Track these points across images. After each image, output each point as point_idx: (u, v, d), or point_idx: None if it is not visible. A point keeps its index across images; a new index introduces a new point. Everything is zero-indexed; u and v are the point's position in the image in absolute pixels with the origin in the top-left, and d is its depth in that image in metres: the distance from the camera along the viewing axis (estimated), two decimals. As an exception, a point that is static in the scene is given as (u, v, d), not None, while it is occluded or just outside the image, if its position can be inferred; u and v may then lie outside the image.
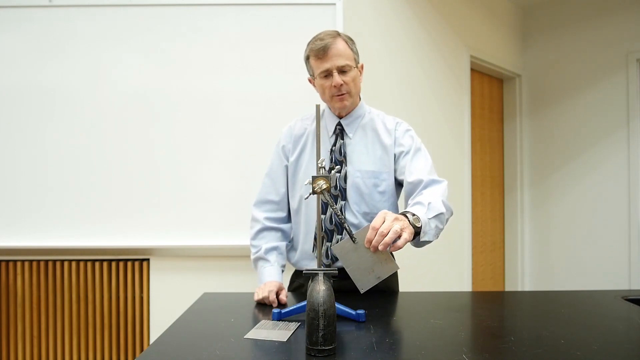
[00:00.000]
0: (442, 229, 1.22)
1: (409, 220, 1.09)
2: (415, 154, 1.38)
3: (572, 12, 3.59)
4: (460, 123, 3.17)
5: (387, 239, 1.01)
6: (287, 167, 1.46)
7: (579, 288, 3.39)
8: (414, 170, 1.34)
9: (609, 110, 3.38)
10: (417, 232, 1.11)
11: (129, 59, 2.15)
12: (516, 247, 3.80)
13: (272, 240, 1.46)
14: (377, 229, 1.02)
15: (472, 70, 3.33)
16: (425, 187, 1.30)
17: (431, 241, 1.18)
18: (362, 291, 1.09)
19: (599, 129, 3.43)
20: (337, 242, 1.33)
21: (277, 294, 1.29)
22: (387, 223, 1.03)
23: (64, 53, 2.14)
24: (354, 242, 1.07)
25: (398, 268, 1.09)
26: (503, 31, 3.63)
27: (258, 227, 1.48)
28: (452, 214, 1.29)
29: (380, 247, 1.02)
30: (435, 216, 1.18)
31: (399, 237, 1.03)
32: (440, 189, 1.29)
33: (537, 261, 3.75)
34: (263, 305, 1.26)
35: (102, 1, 2.14)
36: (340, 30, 2.10)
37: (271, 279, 1.37)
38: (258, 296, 1.29)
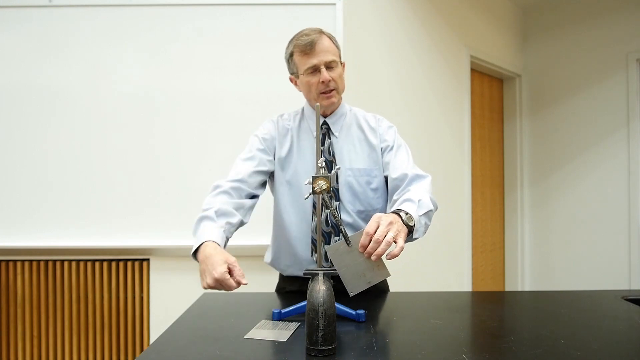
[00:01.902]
0: (429, 225, 1.22)
1: (402, 219, 1.09)
2: (398, 150, 1.38)
3: (572, 12, 3.59)
4: (460, 123, 3.17)
5: (379, 249, 1.01)
6: (268, 159, 1.38)
7: (579, 288, 3.39)
8: (398, 165, 1.34)
9: (609, 110, 3.38)
10: (410, 230, 1.11)
11: (128, 58, 2.15)
12: (516, 247, 3.80)
13: (229, 205, 1.25)
14: (372, 235, 1.02)
15: (472, 70, 3.33)
16: (410, 183, 1.30)
17: (419, 237, 1.19)
18: (351, 294, 1.09)
19: (599, 129, 3.43)
20: (337, 241, 1.32)
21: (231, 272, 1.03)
22: (382, 229, 1.02)
23: (64, 53, 2.14)
24: (348, 245, 1.06)
25: (389, 275, 1.09)
26: (503, 31, 3.63)
27: (220, 189, 1.29)
28: (437, 208, 1.29)
29: (372, 258, 1.01)
30: (425, 213, 1.19)
31: (395, 242, 1.03)
32: (426, 184, 1.30)
33: (537, 261, 3.75)
34: (263, 305, 1.26)
35: (102, 1, 2.14)
36: (340, 30, 2.11)
37: (207, 238, 1.11)
38: (206, 282, 1.01)
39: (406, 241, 1.16)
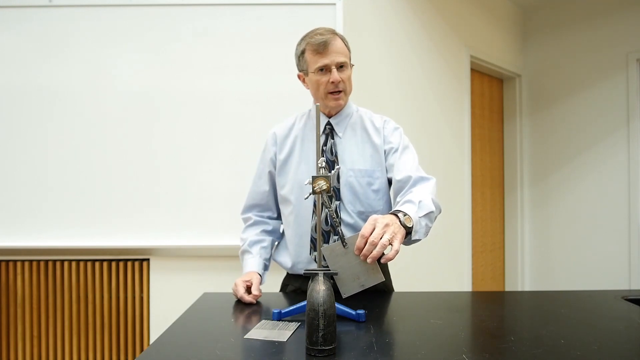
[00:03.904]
0: (431, 227, 1.21)
1: (400, 220, 1.08)
2: (403, 152, 1.37)
3: (572, 12, 3.59)
4: (460, 123, 3.17)
5: (375, 252, 1.00)
6: (270, 173, 1.47)
7: (579, 288, 3.39)
8: (402, 167, 1.34)
9: (609, 110, 3.38)
10: (408, 231, 1.10)
11: (128, 59, 2.15)
12: (516, 247, 3.80)
13: (258, 234, 1.49)
14: (367, 238, 1.01)
15: (472, 70, 3.33)
16: (414, 185, 1.30)
17: (420, 239, 1.18)
18: (344, 296, 1.09)
19: (599, 129, 3.43)
20: (334, 242, 1.32)
21: (249, 290, 1.31)
22: (377, 231, 1.01)
23: (64, 53, 2.14)
24: (344, 246, 1.06)
25: (383, 280, 1.08)
26: (503, 31, 3.63)
27: (249, 222, 1.52)
28: (440, 211, 1.29)
29: (368, 260, 1.01)
30: (426, 215, 1.18)
31: (390, 244, 1.03)
32: (429, 186, 1.29)
33: (537, 261, 3.75)
34: (263, 305, 1.26)
35: (102, 1, 2.14)
36: (340, 30, 2.11)
37: (248, 269, 1.40)
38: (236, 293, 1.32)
39: (407, 243, 1.16)
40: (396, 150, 1.38)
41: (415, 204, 1.18)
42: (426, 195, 1.22)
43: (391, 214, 1.11)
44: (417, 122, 2.81)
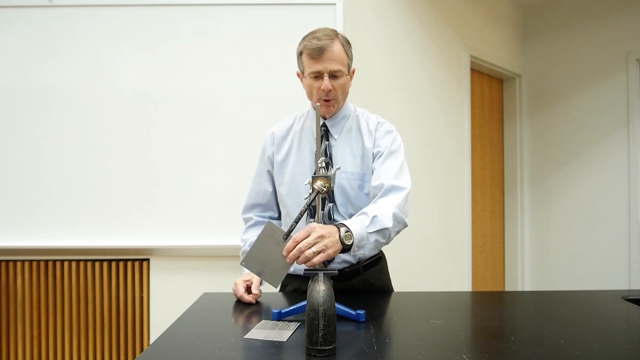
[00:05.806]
0: (384, 243, 1.20)
1: (339, 235, 1.06)
2: (387, 157, 1.34)
3: (572, 12, 3.59)
4: (460, 123, 3.17)
5: (299, 260, 1.01)
6: (269, 172, 1.46)
7: (579, 288, 3.39)
8: (381, 174, 1.31)
9: (609, 110, 3.38)
10: (345, 248, 1.08)
11: (128, 59, 2.15)
12: (516, 247, 3.80)
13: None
14: (297, 242, 1.01)
15: (472, 70, 3.33)
16: (384, 194, 1.27)
17: (365, 254, 1.18)
18: (241, 265, 1.13)
19: (599, 129, 3.43)
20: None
21: (249, 290, 1.31)
22: (309, 240, 1.01)
23: (64, 53, 2.14)
24: (283, 239, 1.07)
25: (278, 287, 1.14)
26: (503, 31, 3.63)
27: (250, 222, 1.51)
28: (405, 225, 1.26)
29: (288, 261, 1.02)
30: (377, 231, 1.15)
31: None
32: (398, 198, 1.25)
33: (537, 261, 3.75)
34: (263, 305, 1.27)
35: (102, 1, 2.14)
36: (340, 30, 2.10)
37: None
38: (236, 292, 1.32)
39: (351, 253, 1.14)
40: (381, 155, 1.35)
41: (369, 218, 1.15)
42: (387, 209, 1.20)
43: (335, 225, 1.09)
44: (417, 122, 2.81)
